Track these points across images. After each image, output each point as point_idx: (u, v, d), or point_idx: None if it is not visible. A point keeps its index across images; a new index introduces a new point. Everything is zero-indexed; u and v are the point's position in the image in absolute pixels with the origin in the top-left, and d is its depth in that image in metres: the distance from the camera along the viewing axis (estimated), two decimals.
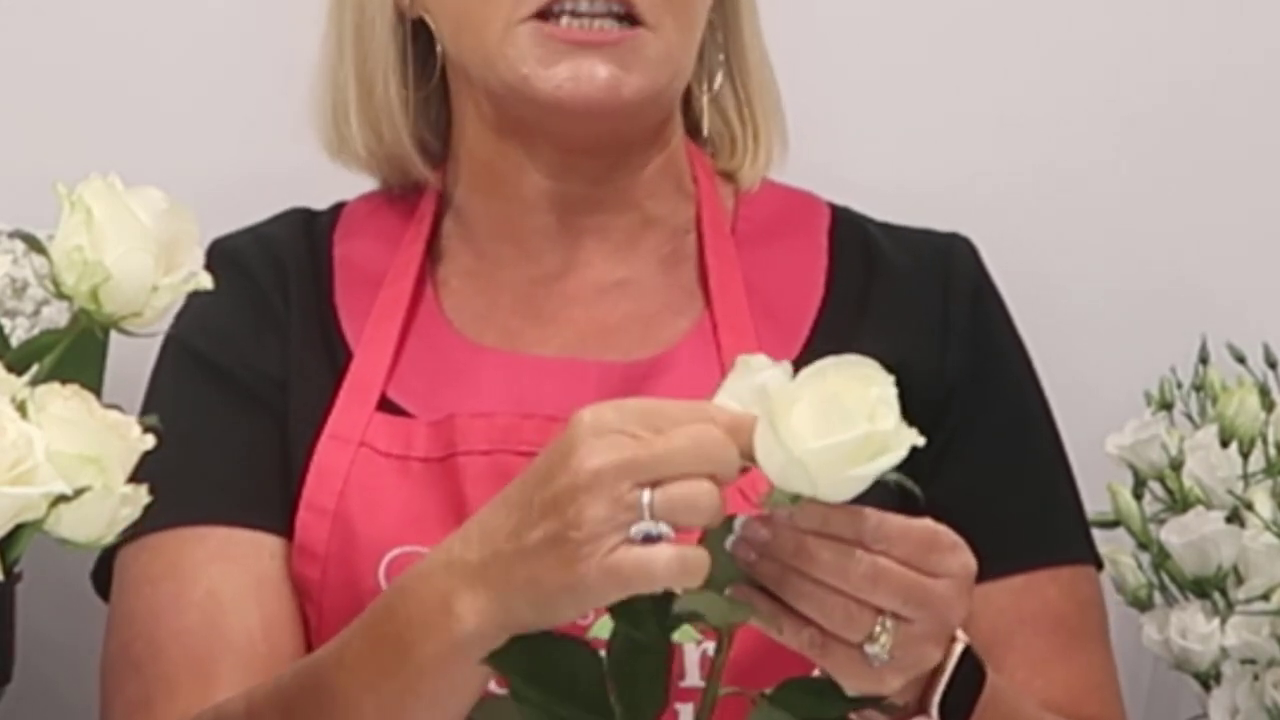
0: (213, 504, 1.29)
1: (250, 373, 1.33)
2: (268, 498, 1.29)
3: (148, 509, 1.07)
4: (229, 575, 1.27)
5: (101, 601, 1.34)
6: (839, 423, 1.00)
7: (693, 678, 1.21)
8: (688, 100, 1.38)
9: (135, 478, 1.06)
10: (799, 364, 1.29)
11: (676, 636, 1.20)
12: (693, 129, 1.40)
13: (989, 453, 1.33)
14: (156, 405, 1.34)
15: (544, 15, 1.26)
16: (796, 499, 1.02)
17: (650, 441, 1.01)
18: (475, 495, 1.26)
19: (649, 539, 1.00)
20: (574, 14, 1.26)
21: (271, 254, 1.37)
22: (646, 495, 1.00)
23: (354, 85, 1.36)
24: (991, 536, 1.28)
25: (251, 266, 1.37)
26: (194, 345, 1.34)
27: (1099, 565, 1.37)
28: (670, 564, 0.99)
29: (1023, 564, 1.31)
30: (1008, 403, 1.35)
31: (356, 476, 1.28)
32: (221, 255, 1.38)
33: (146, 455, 1.07)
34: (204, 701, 1.24)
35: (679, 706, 1.22)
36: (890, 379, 1.02)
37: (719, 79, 1.38)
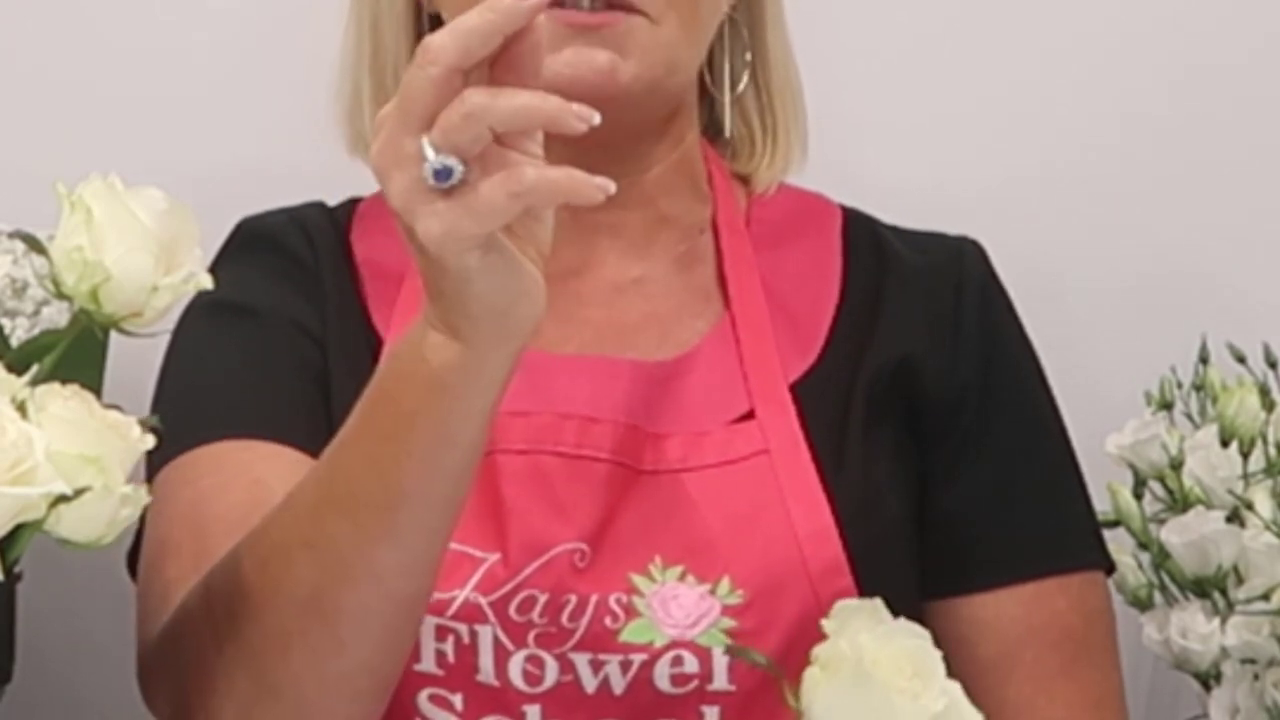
0: (255, 419, 1.27)
1: (290, 323, 1.32)
2: (313, 425, 1.27)
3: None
4: (276, 470, 1.24)
5: (103, 586, 1.33)
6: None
7: (720, 681, 1.21)
8: (710, 101, 1.38)
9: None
10: (820, 365, 1.31)
11: (704, 640, 1.21)
12: (714, 130, 1.40)
13: (999, 458, 1.32)
14: (185, 346, 1.33)
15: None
16: None
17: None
18: (512, 494, 1.25)
19: (441, 175, 0.96)
20: (576, 4, 1.26)
21: (306, 233, 1.37)
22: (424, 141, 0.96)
23: (369, 80, 1.37)
24: (1002, 543, 1.30)
25: (287, 241, 1.36)
26: (231, 300, 1.32)
27: (1110, 569, 1.37)
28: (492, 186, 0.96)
29: (1033, 572, 1.31)
30: (1018, 407, 1.35)
31: None
32: (253, 231, 1.38)
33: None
34: None
35: (704, 709, 1.22)
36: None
37: (744, 80, 1.38)
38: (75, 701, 1.51)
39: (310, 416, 1.28)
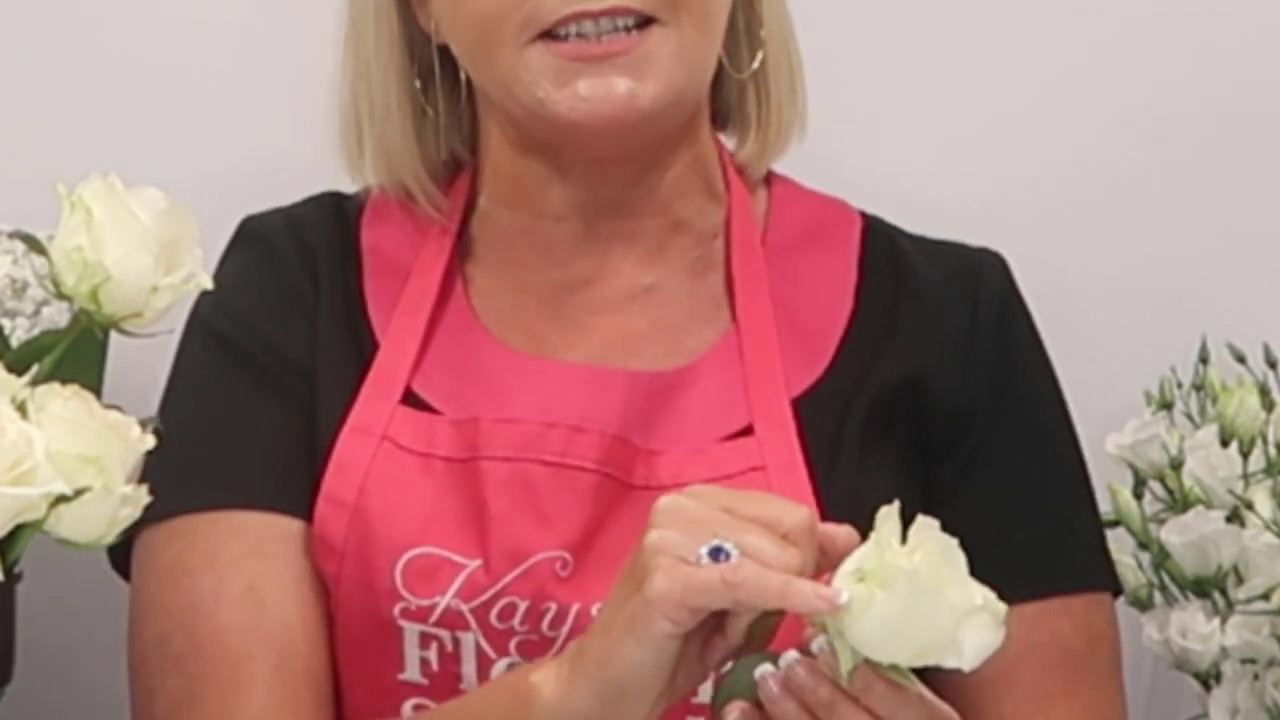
0: (244, 488, 1.28)
1: (276, 359, 1.32)
2: (298, 483, 1.28)
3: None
4: (268, 571, 1.26)
5: (103, 586, 1.33)
6: (931, 617, 1.04)
7: (703, 694, 1.19)
8: (714, 80, 1.34)
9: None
10: (825, 380, 1.30)
11: None
12: (719, 118, 1.38)
13: (1006, 476, 1.31)
14: (181, 388, 1.34)
15: (552, 35, 1.24)
16: (856, 657, 1.04)
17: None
18: (496, 501, 1.25)
19: (715, 554, 1.07)
20: (580, 34, 1.24)
21: (302, 237, 1.36)
22: (710, 543, 1.07)
23: (369, 129, 1.35)
24: (1008, 560, 1.27)
25: (282, 248, 1.36)
26: (220, 329, 1.33)
27: (1117, 592, 1.36)
28: (722, 571, 1.06)
29: (1037, 591, 1.29)
30: (1029, 426, 1.34)
31: (377, 471, 1.27)
32: (252, 234, 1.38)
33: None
34: (244, 701, 1.23)
35: None
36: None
37: (759, 56, 1.35)
38: (75, 701, 1.51)
39: (294, 477, 1.29)
